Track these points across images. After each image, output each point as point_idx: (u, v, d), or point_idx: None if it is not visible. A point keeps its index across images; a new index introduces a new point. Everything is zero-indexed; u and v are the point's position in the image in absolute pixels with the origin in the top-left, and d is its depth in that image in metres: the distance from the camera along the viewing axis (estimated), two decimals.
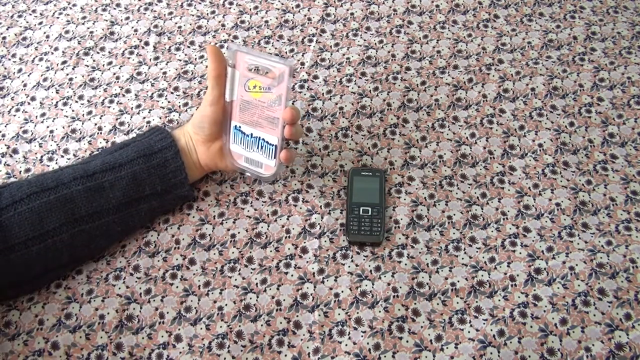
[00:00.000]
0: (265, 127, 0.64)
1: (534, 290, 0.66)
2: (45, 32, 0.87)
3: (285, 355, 0.62)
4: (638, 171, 0.75)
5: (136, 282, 0.66)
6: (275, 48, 0.86)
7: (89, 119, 0.79)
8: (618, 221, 0.71)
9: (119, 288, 0.66)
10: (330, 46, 0.86)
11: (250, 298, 0.66)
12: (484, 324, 0.64)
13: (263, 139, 0.65)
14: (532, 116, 0.80)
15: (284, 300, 0.65)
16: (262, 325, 0.64)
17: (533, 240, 0.70)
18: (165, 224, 0.70)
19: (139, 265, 0.67)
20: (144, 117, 0.79)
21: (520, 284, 0.67)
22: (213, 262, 0.68)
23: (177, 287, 0.66)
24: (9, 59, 0.85)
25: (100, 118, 0.79)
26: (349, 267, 0.68)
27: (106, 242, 0.67)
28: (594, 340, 0.63)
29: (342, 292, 0.66)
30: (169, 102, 0.80)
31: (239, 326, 0.64)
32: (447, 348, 0.62)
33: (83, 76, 0.83)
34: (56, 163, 0.75)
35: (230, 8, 0.90)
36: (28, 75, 0.83)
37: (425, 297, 0.66)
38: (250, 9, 0.90)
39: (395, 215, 0.71)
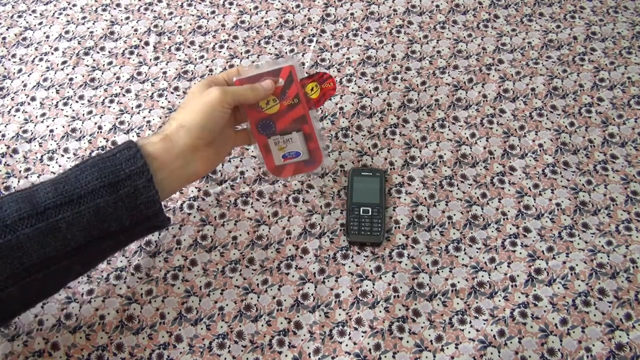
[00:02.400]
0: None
1: (534, 290, 0.66)
2: (45, 32, 0.87)
3: (286, 356, 0.62)
4: (638, 171, 0.75)
5: (137, 282, 0.66)
6: (275, 48, 0.86)
7: (89, 119, 0.79)
8: (618, 221, 0.71)
9: (120, 288, 0.66)
10: (330, 46, 0.86)
11: (251, 298, 0.66)
12: (484, 324, 0.64)
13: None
14: (532, 116, 0.80)
15: (285, 300, 0.65)
16: (262, 325, 0.64)
17: (533, 241, 0.70)
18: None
19: (140, 266, 0.67)
20: (144, 117, 0.79)
21: (520, 284, 0.67)
22: (214, 264, 0.68)
23: (178, 288, 0.66)
24: (9, 59, 0.84)
25: (100, 117, 0.79)
26: (350, 267, 0.68)
27: (64, 283, 0.57)
28: (594, 341, 0.63)
29: (343, 292, 0.66)
30: (169, 102, 0.80)
31: (240, 326, 0.64)
32: (447, 348, 0.63)
33: (83, 76, 0.83)
34: (56, 162, 0.75)
35: (230, 8, 0.90)
36: (28, 76, 0.83)
37: (426, 298, 0.66)
38: (250, 9, 0.90)
39: (395, 216, 0.71)
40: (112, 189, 0.53)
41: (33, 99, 0.80)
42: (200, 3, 0.91)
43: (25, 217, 0.50)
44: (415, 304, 0.65)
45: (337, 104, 0.80)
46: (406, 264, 0.68)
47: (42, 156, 0.75)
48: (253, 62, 0.84)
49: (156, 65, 0.84)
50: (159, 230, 0.64)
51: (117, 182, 0.53)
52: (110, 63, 0.84)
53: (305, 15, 0.90)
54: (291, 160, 0.66)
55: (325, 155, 0.67)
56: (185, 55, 0.85)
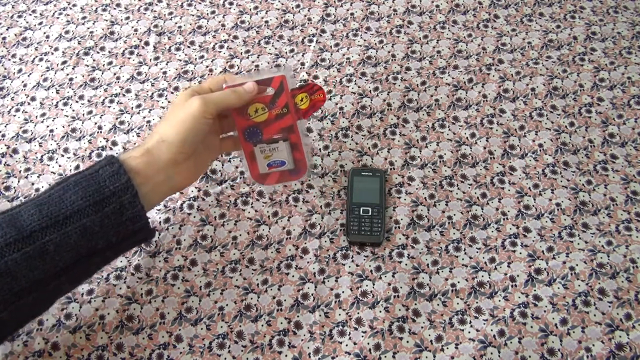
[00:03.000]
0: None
1: (534, 290, 0.66)
2: (45, 32, 0.87)
3: (286, 356, 0.62)
4: (638, 171, 0.75)
5: (137, 282, 0.66)
6: (275, 48, 0.86)
7: (89, 119, 0.79)
8: (618, 221, 0.71)
9: (120, 288, 0.66)
10: (330, 46, 0.86)
11: (251, 298, 0.66)
12: (484, 324, 0.64)
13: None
14: (532, 116, 0.80)
15: (285, 300, 0.65)
16: (262, 325, 0.64)
17: (533, 241, 0.70)
18: (166, 223, 0.70)
19: (140, 265, 0.67)
20: (144, 117, 0.79)
21: (520, 284, 0.67)
22: (214, 264, 0.68)
23: (178, 288, 0.66)
24: (9, 59, 0.84)
25: (100, 117, 0.79)
26: (350, 267, 0.68)
27: (53, 301, 0.57)
28: (594, 341, 0.63)
29: (343, 292, 0.66)
30: (169, 102, 0.80)
31: (240, 326, 0.64)
32: (447, 348, 0.63)
33: (83, 76, 0.83)
34: (56, 162, 0.75)
35: (230, 8, 0.90)
36: (28, 76, 0.83)
37: (426, 298, 0.66)
38: (250, 9, 0.90)
39: (395, 216, 0.71)
40: (97, 207, 0.52)
41: (33, 99, 0.80)
42: (200, 3, 0.91)
43: (12, 242, 0.49)
44: (415, 304, 0.65)
45: (337, 104, 0.80)
46: (406, 264, 0.68)
47: (42, 156, 0.75)
48: (253, 62, 0.84)
49: (156, 65, 0.84)
50: (145, 243, 0.63)
51: (102, 199, 0.52)
52: (110, 63, 0.84)
53: (305, 15, 0.90)
54: (276, 169, 0.66)
55: (309, 166, 0.66)
56: (185, 55, 0.85)
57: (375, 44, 0.87)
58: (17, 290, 0.50)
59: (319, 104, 0.65)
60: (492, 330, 0.64)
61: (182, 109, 0.57)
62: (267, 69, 0.62)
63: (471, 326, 0.64)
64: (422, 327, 0.64)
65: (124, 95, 0.81)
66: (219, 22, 0.89)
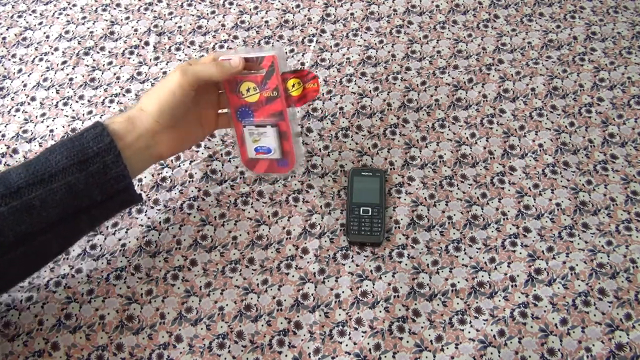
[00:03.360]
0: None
1: (534, 290, 0.66)
2: (45, 32, 0.87)
3: (286, 356, 0.62)
4: (638, 171, 0.75)
5: (137, 282, 0.66)
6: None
7: (89, 119, 0.79)
8: (618, 221, 0.71)
9: (120, 288, 0.66)
10: (330, 46, 0.86)
11: (251, 298, 0.66)
12: (484, 324, 0.64)
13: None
14: (532, 116, 0.80)
15: (285, 300, 0.65)
16: (262, 325, 0.64)
17: (533, 241, 0.70)
18: (166, 223, 0.70)
19: (140, 265, 0.67)
20: None
21: (520, 284, 0.67)
22: (214, 264, 0.68)
23: (178, 288, 0.66)
24: (9, 59, 0.84)
25: (100, 117, 0.79)
26: (350, 267, 0.68)
27: (42, 261, 0.59)
28: (594, 341, 0.63)
29: (343, 292, 0.66)
30: None
31: (240, 326, 0.64)
32: (447, 348, 0.63)
33: (83, 76, 0.83)
34: None
35: (230, 8, 0.90)
36: (28, 76, 0.83)
37: (426, 298, 0.66)
38: (250, 9, 0.90)
39: (395, 216, 0.71)
40: (82, 166, 0.54)
41: (33, 99, 0.80)
42: (200, 3, 0.91)
43: (0, 197, 0.52)
44: (415, 304, 0.65)
45: (337, 104, 0.80)
46: (406, 264, 0.68)
47: None
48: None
49: (156, 65, 0.84)
50: (133, 206, 0.63)
51: (87, 159, 0.55)
52: (110, 63, 0.84)
53: (305, 15, 0.90)
54: (263, 156, 0.64)
55: (298, 159, 0.65)
56: (185, 55, 0.85)
57: (375, 44, 0.87)
58: (5, 242, 0.52)
59: (312, 94, 0.62)
60: (492, 330, 0.64)
61: (164, 80, 0.59)
62: (262, 47, 0.60)
63: (471, 326, 0.64)
64: (422, 327, 0.64)
65: (124, 95, 0.81)
66: (219, 22, 0.89)
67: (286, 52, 0.85)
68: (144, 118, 0.58)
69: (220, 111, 0.67)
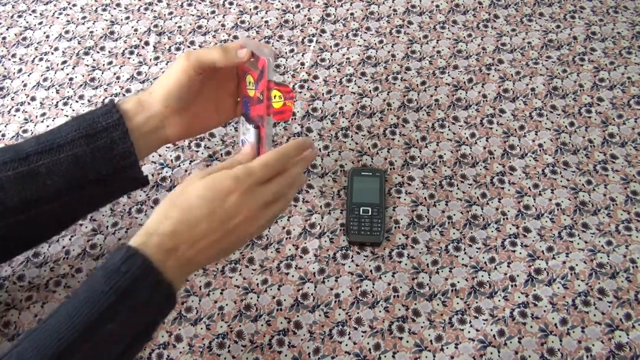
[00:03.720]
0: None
1: (534, 290, 0.66)
2: (45, 32, 0.87)
3: (286, 355, 0.62)
4: (638, 171, 0.75)
5: None
6: (276, 48, 0.86)
7: None
8: (618, 221, 0.71)
9: None
10: (330, 46, 0.86)
11: (251, 298, 0.66)
12: (484, 324, 0.64)
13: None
14: (532, 116, 0.80)
15: (285, 300, 0.65)
16: (262, 325, 0.64)
17: (533, 241, 0.70)
18: None
19: None
20: None
21: (520, 284, 0.67)
22: (214, 263, 0.68)
23: None
24: (9, 59, 0.84)
25: None
26: (349, 267, 0.68)
27: (46, 231, 0.60)
28: (594, 340, 0.63)
29: (343, 292, 0.66)
30: None
31: (240, 326, 0.64)
32: (447, 348, 0.63)
33: (83, 76, 0.83)
34: None
35: (230, 8, 0.90)
36: (28, 75, 0.83)
37: (426, 298, 0.66)
38: (250, 9, 0.90)
39: (395, 215, 0.71)
40: (89, 139, 0.56)
41: (33, 98, 0.80)
42: (200, 3, 0.91)
43: (8, 162, 0.54)
44: (415, 304, 0.65)
45: (337, 104, 0.80)
46: (406, 264, 0.68)
47: None
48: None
49: (156, 65, 0.84)
50: (138, 187, 0.63)
51: (95, 133, 0.56)
52: (110, 63, 0.84)
53: (305, 15, 0.90)
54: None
55: None
56: None
57: (375, 44, 0.87)
58: (10, 206, 0.53)
59: (287, 113, 0.60)
60: (491, 330, 0.64)
61: (170, 65, 0.60)
62: (261, 45, 0.59)
63: (471, 326, 0.64)
64: (421, 327, 0.64)
65: (124, 95, 0.81)
66: (219, 22, 0.89)
67: (286, 52, 0.85)
68: (153, 101, 0.59)
69: (240, 99, 0.66)
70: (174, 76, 0.58)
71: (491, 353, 0.62)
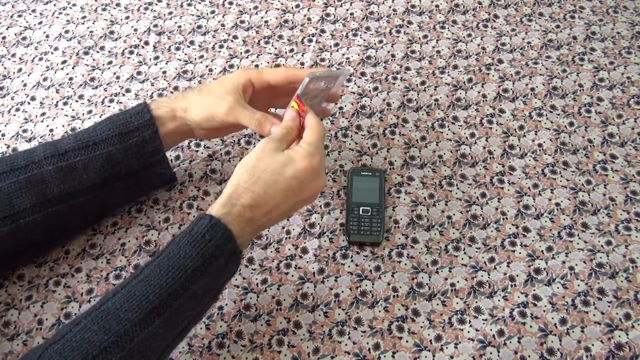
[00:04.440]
0: None
1: (534, 290, 0.66)
2: (45, 32, 0.87)
3: (285, 355, 0.62)
4: (638, 171, 0.75)
5: None
6: (275, 48, 0.86)
7: (89, 118, 0.79)
8: (618, 221, 0.71)
9: None
10: (330, 46, 0.86)
11: (251, 298, 0.66)
12: (484, 324, 0.64)
13: None
14: (532, 116, 0.80)
15: (284, 300, 0.65)
16: (262, 325, 0.64)
17: (533, 240, 0.70)
18: (165, 223, 0.70)
19: (139, 265, 0.67)
20: None
21: (519, 284, 0.67)
22: None
23: None
24: (9, 59, 0.84)
25: (100, 117, 0.79)
26: (349, 267, 0.68)
27: (82, 222, 0.66)
28: (593, 340, 0.63)
29: (342, 292, 0.66)
30: None
31: (239, 326, 0.64)
32: (446, 348, 0.63)
33: (83, 76, 0.83)
34: None
35: (230, 8, 0.90)
36: (28, 75, 0.83)
37: (425, 297, 0.66)
38: (250, 9, 0.90)
39: (395, 215, 0.71)
40: (122, 138, 0.62)
41: (33, 98, 0.80)
42: (200, 3, 0.91)
43: (49, 157, 0.60)
44: (415, 304, 0.65)
45: (336, 103, 0.80)
46: (405, 264, 0.68)
47: None
48: (253, 62, 0.84)
49: (156, 64, 0.84)
50: (167, 184, 0.70)
51: (127, 132, 0.62)
52: (110, 63, 0.84)
53: (305, 15, 0.90)
54: None
55: None
56: (185, 55, 0.85)
57: (375, 43, 0.87)
58: (50, 197, 0.59)
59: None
60: (491, 330, 0.64)
61: (216, 98, 0.62)
62: (333, 71, 0.64)
63: (470, 326, 0.64)
64: (421, 327, 0.64)
65: (123, 94, 0.81)
66: (219, 21, 0.89)
67: (286, 52, 0.85)
68: (187, 118, 0.64)
69: (271, 109, 0.72)
70: (211, 114, 0.63)
71: (491, 353, 0.62)
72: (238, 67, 0.84)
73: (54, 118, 0.79)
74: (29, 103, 0.80)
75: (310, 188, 0.58)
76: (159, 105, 0.64)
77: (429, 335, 0.63)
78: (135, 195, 0.69)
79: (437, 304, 0.65)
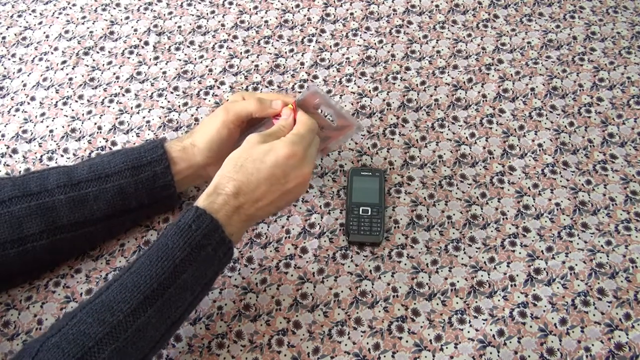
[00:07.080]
0: None
1: (534, 290, 0.66)
2: (45, 32, 0.87)
3: (285, 355, 0.62)
4: (638, 171, 0.75)
5: None
6: (275, 48, 0.86)
7: (89, 119, 0.79)
8: (618, 221, 0.71)
9: None
10: (330, 46, 0.86)
11: (250, 298, 0.66)
12: (484, 324, 0.64)
13: None
14: (532, 116, 0.80)
15: (284, 300, 0.65)
16: (261, 325, 0.64)
17: (533, 240, 0.70)
18: (165, 223, 0.70)
19: None
20: (144, 117, 0.79)
21: (519, 284, 0.67)
22: None
23: None
24: (9, 59, 0.85)
25: (100, 117, 0.79)
26: (349, 267, 0.68)
27: (88, 247, 0.68)
28: (593, 340, 0.63)
29: (342, 292, 0.66)
30: (168, 101, 0.80)
31: (239, 326, 0.64)
32: (446, 348, 0.63)
33: (83, 76, 0.83)
34: (56, 162, 0.75)
35: (230, 8, 0.90)
36: (28, 75, 0.83)
37: (425, 297, 0.66)
38: (250, 9, 0.90)
39: (394, 215, 0.71)
40: (134, 172, 0.62)
41: (33, 98, 0.81)
42: (200, 3, 0.91)
43: (62, 186, 0.60)
44: (415, 304, 0.65)
45: (336, 103, 0.80)
46: (405, 264, 0.68)
47: (41, 156, 0.75)
48: (253, 62, 0.84)
49: (156, 65, 0.84)
50: (172, 209, 0.71)
51: (140, 166, 0.62)
52: (109, 63, 0.84)
53: (304, 15, 0.90)
54: None
55: None
56: (185, 55, 0.85)
57: (375, 43, 0.87)
58: (59, 225, 0.60)
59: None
60: (491, 330, 0.64)
61: (211, 117, 0.65)
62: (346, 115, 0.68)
63: (470, 326, 0.64)
64: (421, 327, 0.64)
65: (123, 95, 0.81)
66: (219, 22, 0.89)
67: (286, 52, 0.85)
68: (196, 151, 0.64)
69: None
70: (215, 130, 0.64)
71: (490, 353, 0.62)
72: (238, 67, 0.84)
73: (54, 118, 0.79)
74: (28, 103, 0.80)
75: (295, 176, 0.58)
76: (171, 145, 0.65)
77: (428, 335, 0.63)
78: (141, 222, 0.70)
79: (437, 304, 0.65)
